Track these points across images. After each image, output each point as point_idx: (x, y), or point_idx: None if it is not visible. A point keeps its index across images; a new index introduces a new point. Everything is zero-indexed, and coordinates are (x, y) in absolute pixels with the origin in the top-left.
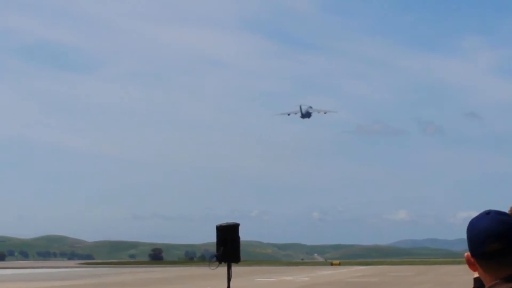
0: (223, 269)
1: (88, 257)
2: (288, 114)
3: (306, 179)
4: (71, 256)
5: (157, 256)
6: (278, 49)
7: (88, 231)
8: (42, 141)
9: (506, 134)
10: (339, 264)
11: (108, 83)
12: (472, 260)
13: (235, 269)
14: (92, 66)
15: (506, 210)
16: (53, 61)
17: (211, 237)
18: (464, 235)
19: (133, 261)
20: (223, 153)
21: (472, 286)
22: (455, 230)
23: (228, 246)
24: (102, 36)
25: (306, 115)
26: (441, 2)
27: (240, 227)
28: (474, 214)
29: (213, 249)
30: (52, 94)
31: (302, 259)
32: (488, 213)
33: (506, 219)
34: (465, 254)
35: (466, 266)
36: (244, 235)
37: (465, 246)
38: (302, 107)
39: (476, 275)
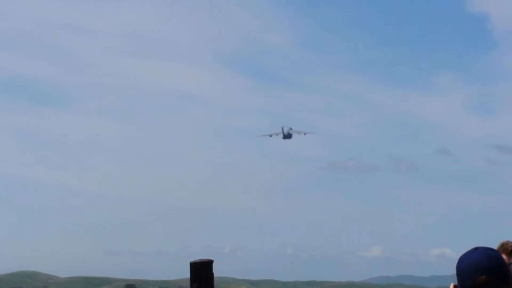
0: None
1: None
2: (270, 136)
3: (280, 215)
4: None
5: None
6: (253, 85)
7: (61, 266)
8: (15, 175)
9: (478, 171)
10: None
11: (82, 117)
12: None
13: None
14: (66, 100)
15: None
16: (24, 95)
17: (185, 273)
18: (438, 272)
19: None
20: (196, 189)
21: None
22: (429, 266)
23: (202, 283)
24: (77, 70)
25: (288, 136)
26: (416, 39)
27: (214, 264)
28: (448, 251)
29: (187, 285)
30: (26, 128)
31: None
32: (476, 248)
33: (493, 254)
34: (451, 285)
35: None
36: (218, 271)
37: (439, 283)
38: (284, 128)
39: None
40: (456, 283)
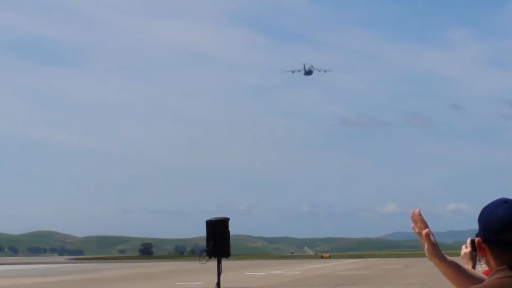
0: (213, 263)
1: (78, 252)
2: (293, 72)
3: (293, 172)
4: (61, 251)
5: (147, 251)
6: (265, 42)
7: (77, 226)
8: (30, 137)
9: (491, 126)
10: (329, 257)
11: (94, 77)
12: (483, 245)
13: (225, 263)
14: (76, 60)
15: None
16: (35, 56)
17: (201, 232)
18: (454, 227)
19: (123, 256)
20: (210, 147)
21: None
22: (445, 222)
23: (218, 241)
24: (85, 30)
25: (309, 72)
26: None
27: (230, 222)
28: (463, 206)
29: (203, 244)
30: (37, 89)
31: (292, 253)
32: (506, 201)
33: None
34: (476, 239)
35: (456, 259)
36: (233, 229)
37: (456, 238)
38: (306, 65)
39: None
40: (473, 237)
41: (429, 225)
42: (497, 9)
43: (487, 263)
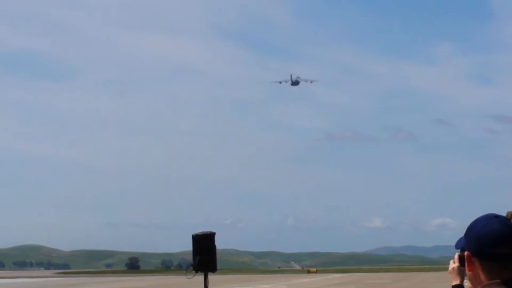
0: (200, 277)
1: (65, 266)
2: (280, 82)
3: (279, 186)
4: (48, 265)
5: (134, 265)
6: (250, 56)
7: (64, 240)
8: (17, 150)
9: (476, 141)
10: (316, 272)
11: (82, 91)
12: (473, 259)
13: (212, 277)
14: (65, 74)
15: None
16: (22, 70)
17: (188, 246)
18: (439, 242)
19: (110, 270)
20: (196, 161)
21: None
22: (430, 237)
23: (204, 255)
24: (74, 44)
25: (295, 83)
26: (415, 9)
27: (216, 236)
28: (449, 221)
29: (190, 258)
30: (26, 103)
31: (279, 267)
32: (496, 216)
33: None
34: (465, 253)
35: (442, 274)
36: (220, 243)
37: (441, 253)
38: (292, 75)
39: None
40: (457, 252)
41: (415, 240)
42: (482, 25)
43: (473, 278)
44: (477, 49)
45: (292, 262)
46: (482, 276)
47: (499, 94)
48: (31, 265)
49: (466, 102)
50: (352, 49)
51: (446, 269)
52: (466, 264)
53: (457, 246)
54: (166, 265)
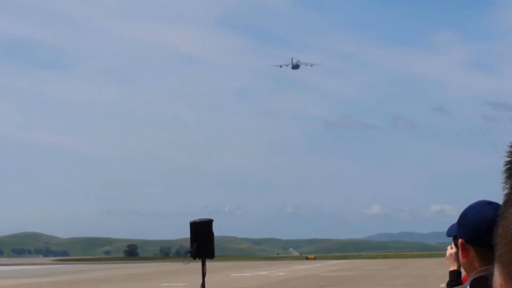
0: (198, 264)
1: (63, 253)
2: (280, 66)
3: (277, 174)
4: (46, 253)
5: (132, 252)
6: (250, 45)
7: (62, 227)
8: (15, 138)
9: (475, 128)
10: (315, 258)
11: (82, 80)
12: (467, 246)
13: (210, 264)
14: (64, 63)
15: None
16: (21, 58)
17: (186, 233)
18: (437, 229)
19: (108, 258)
20: (194, 149)
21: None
22: (429, 223)
23: (202, 242)
24: (72, 33)
25: (296, 66)
26: None
27: (215, 223)
28: (447, 207)
29: (188, 245)
30: (24, 92)
31: (278, 254)
32: (490, 203)
33: None
34: (459, 240)
35: (440, 260)
36: (219, 230)
37: (439, 239)
38: (293, 59)
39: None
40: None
41: (413, 226)
42: (482, 12)
43: (467, 265)
44: (477, 37)
45: (291, 249)
46: (477, 263)
47: (499, 82)
48: (30, 252)
49: (466, 90)
50: (352, 37)
51: (444, 255)
52: (460, 251)
53: (449, 233)
54: (165, 252)
